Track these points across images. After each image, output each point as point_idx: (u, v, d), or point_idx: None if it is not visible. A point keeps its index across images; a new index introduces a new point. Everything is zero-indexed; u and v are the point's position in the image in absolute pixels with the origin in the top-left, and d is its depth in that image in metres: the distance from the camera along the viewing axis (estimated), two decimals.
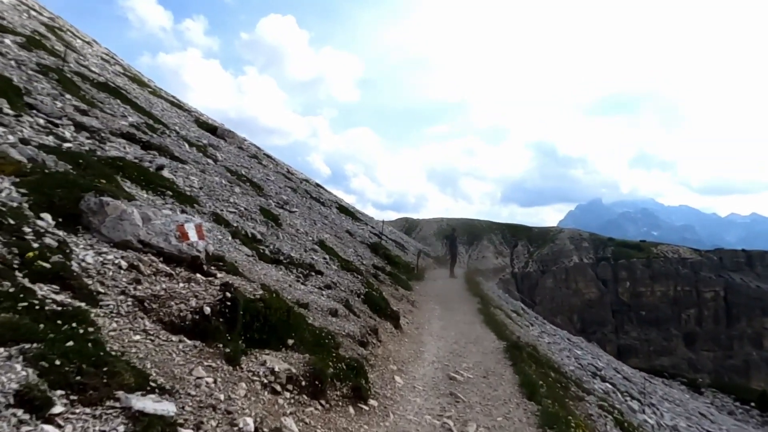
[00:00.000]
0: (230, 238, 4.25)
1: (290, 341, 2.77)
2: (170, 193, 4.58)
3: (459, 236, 21.16)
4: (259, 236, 4.85)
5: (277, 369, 2.36)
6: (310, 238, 6.42)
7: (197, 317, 2.22)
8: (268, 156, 20.49)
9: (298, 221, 7.13)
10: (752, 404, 18.66)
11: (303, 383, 2.42)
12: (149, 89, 17.01)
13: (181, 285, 2.42)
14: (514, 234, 60.16)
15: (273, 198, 9.20)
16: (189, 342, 2.11)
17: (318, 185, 22.17)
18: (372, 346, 3.84)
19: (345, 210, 16.79)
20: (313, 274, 4.88)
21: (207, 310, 2.27)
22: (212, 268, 3.13)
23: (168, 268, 2.55)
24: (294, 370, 2.43)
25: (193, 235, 2.83)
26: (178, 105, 18.38)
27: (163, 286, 2.33)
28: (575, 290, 54.58)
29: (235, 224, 4.79)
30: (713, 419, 13.12)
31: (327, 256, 5.98)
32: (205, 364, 2.03)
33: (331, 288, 4.70)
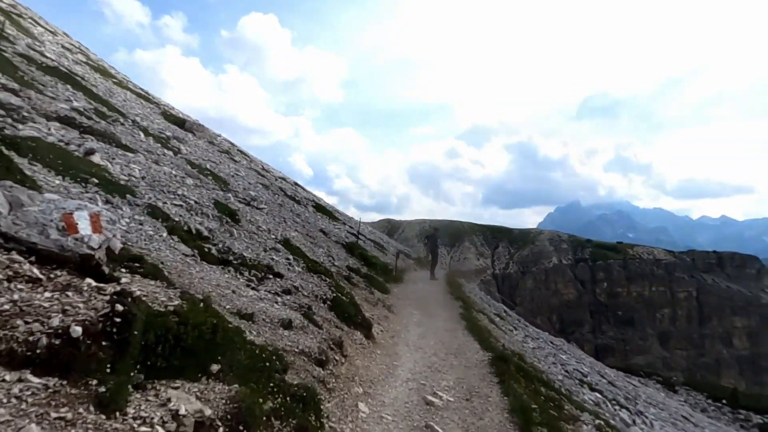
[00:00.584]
0: (165, 234, 3.53)
1: (215, 367, 2.10)
2: (96, 181, 3.83)
3: (440, 237, 20.65)
4: (206, 233, 4.13)
5: (183, 412, 1.69)
6: (273, 236, 5.71)
7: (58, 342, 1.54)
8: (243, 152, 19.57)
9: (261, 218, 6.41)
10: (723, 402, 18.95)
11: (221, 430, 1.76)
12: (114, 80, 15.90)
13: (47, 295, 1.72)
14: (495, 235, 60.43)
15: (240, 193, 8.43)
16: (35, 381, 1.42)
17: (296, 184, 21.31)
18: (333, 364, 3.18)
19: (322, 209, 16.05)
20: (270, 276, 4.19)
21: (76, 331, 1.58)
22: (121, 270, 2.43)
23: (37, 272, 1.84)
24: (209, 412, 1.76)
25: (84, 228, 2.13)
26: (145, 97, 17.29)
27: (15, 297, 1.63)
28: (554, 291, 55.18)
29: (177, 218, 4.06)
30: (695, 421, 12.96)
31: (291, 257, 5.29)
32: (54, 415, 1.35)
33: (290, 293, 4.02)
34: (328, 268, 6.28)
